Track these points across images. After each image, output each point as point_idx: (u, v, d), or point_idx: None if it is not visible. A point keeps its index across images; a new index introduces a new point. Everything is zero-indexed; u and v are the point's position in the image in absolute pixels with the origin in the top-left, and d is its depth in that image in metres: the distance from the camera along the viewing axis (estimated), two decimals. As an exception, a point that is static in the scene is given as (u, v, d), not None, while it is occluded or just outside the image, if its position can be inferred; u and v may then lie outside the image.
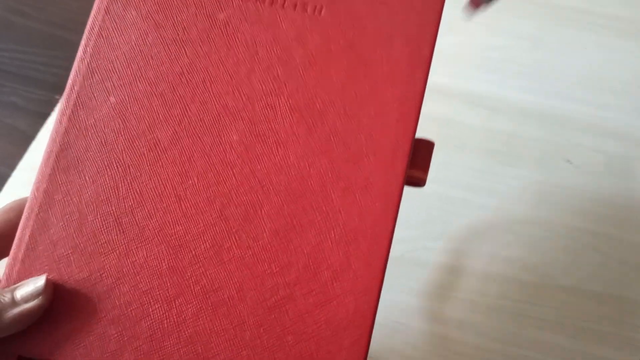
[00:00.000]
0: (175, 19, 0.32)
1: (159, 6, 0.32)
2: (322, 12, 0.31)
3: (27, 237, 0.29)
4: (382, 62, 0.31)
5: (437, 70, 0.39)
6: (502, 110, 0.50)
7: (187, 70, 0.31)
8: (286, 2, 0.32)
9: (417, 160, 0.30)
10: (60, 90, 0.50)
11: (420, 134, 0.30)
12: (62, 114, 0.30)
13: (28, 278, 0.28)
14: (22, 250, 0.29)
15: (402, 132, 0.30)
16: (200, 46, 0.31)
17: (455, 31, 0.53)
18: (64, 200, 0.29)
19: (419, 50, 0.31)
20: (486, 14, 0.51)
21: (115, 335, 0.28)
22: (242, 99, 0.30)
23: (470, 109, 0.50)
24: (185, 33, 0.31)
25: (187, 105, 0.30)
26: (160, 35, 0.31)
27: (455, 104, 0.51)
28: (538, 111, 0.50)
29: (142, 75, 0.31)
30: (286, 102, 0.30)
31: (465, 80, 0.52)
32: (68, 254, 0.29)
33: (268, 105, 0.30)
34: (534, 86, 0.52)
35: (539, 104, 0.51)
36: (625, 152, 0.50)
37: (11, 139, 0.51)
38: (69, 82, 0.31)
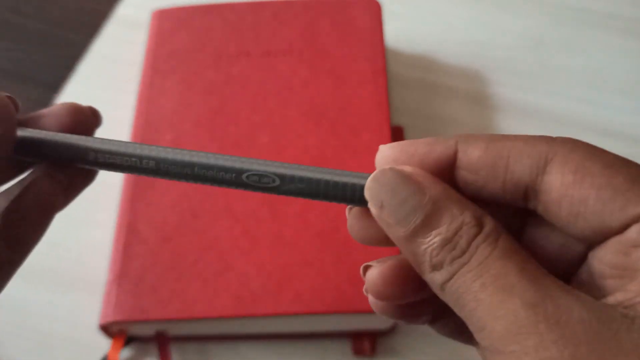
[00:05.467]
0: (200, 78, 0.44)
1: (187, 74, 0.44)
2: (304, 53, 0.45)
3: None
4: (354, 75, 0.43)
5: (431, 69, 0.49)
6: (502, 110, 0.50)
7: (218, 108, 0.42)
8: (277, 52, 0.45)
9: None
10: (57, 89, 0.51)
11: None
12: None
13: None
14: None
15: (380, 115, 0.42)
16: (224, 91, 0.43)
17: (455, 30, 0.54)
18: (147, 209, 0.38)
19: (375, 64, 0.44)
20: (486, 14, 0.54)
21: (211, 284, 0.36)
22: (264, 116, 0.42)
23: (470, 109, 0.50)
24: (211, 85, 0.43)
25: (225, 128, 0.41)
26: (193, 91, 0.43)
27: (456, 103, 0.50)
28: (538, 111, 0.49)
29: (186, 118, 0.42)
30: (296, 110, 0.42)
31: (466, 80, 0.51)
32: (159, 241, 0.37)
33: (283, 115, 0.42)
34: (534, 86, 0.51)
35: (539, 103, 0.50)
36: (627, 152, 0.52)
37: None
38: (132, 131, 0.42)
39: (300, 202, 0.38)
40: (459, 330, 0.20)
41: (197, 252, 0.37)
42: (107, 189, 0.43)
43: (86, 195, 0.44)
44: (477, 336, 0.16)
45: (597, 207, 0.16)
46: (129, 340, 0.38)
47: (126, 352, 0.38)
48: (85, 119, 0.22)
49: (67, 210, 0.44)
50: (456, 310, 0.17)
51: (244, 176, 0.19)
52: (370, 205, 0.18)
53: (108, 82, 0.51)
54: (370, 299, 0.19)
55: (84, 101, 0.55)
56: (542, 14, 0.55)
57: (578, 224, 0.17)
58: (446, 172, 0.18)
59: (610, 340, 0.15)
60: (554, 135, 0.18)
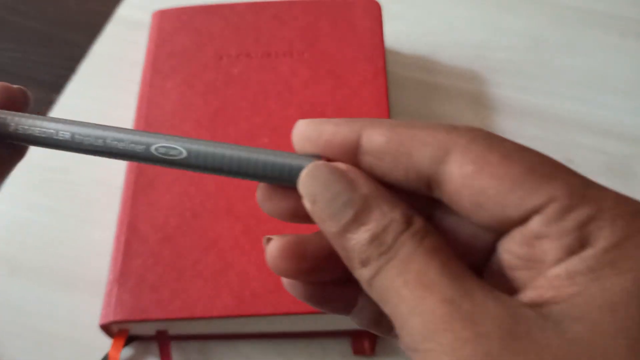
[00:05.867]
0: (201, 78, 0.44)
1: (187, 74, 0.44)
2: (304, 54, 0.45)
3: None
4: (354, 75, 0.43)
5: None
6: (502, 110, 0.50)
7: (219, 108, 0.42)
8: (277, 53, 0.45)
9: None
10: (57, 89, 0.50)
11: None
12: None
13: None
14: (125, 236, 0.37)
15: (380, 115, 0.42)
16: (225, 91, 0.43)
17: (455, 30, 0.54)
18: (148, 208, 0.39)
19: (375, 64, 0.44)
20: (486, 14, 0.54)
21: (212, 283, 0.36)
22: (264, 116, 0.42)
23: (470, 109, 0.50)
24: (211, 86, 0.44)
25: (225, 128, 0.41)
26: (193, 91, 0.43)
27: (455, 104, 0.50)
28: (538, 111, 0.49)
29: (186, 118, 0.42)
30: (296, 111, 0.42)
31: (465, 81, 0.51)
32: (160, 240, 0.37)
33: (283, 116, 0.42)
34: (534, 86, 0.51)
35: (539, 103, 0.50)
36: (627, 152, 0.48)
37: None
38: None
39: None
40: (375, 321, 0.20)
41: (197, 252, 0.37)
42: (107, 189, 0.44)
43: (87, 195, 0.45)
44: (401, 334, 0.16)
45: (497, 198, 0.16)
46: (129, 339, 0.38)
47: (127, 352, 0.39)
48: (15, 98, 0.22)
49: (67, 210, 0.44)
50: (382, 307, 0.17)
51: (152, 148, 0.19)
52: (304, 200, 0.18)
53: (109, 82, 0.51)
54: (289, 287, 0.20)
55: (86, 101, 0.55)
56: (542, 14, 0.55)
57: (481, 214, 0.17)
58: (352, 154, 0.18)
59: (524, 339, 0.15)
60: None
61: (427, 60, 0.52)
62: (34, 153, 0.46)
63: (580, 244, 0.15)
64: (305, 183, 0.18)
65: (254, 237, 0.37)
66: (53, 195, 0.45)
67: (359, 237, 0.17)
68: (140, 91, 0.44)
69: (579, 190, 0.16)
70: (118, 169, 0.43)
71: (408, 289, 0.16)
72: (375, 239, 0.17)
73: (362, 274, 0.17)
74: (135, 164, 0.40)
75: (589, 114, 0.49)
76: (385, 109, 0.42)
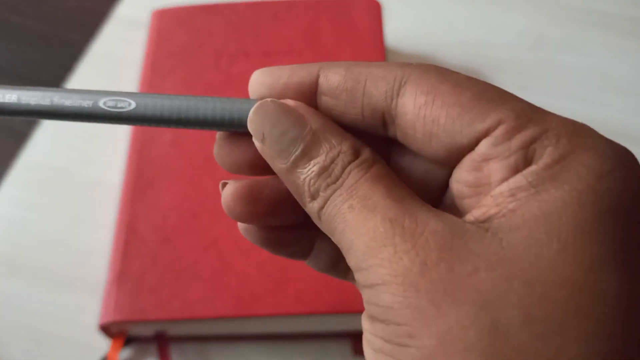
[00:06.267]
0: (200, 78, 0.44)
1: (186, 73, 0.44)
2: (304, 54, 0.45)
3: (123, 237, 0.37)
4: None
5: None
6: None
7: (218, 108, 0.42)
8: (277, 52, 0.45)
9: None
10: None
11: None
12: (133, 151, 0.41)
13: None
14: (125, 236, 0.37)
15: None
16: (224, 91, 0.43)
17: (455, 30, 0.54)
18: (147, 209, 0.38)
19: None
20: (486, 14, 0.54)
21: (211, 284, 0.35)
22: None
23: None
24: (211, 85, 0.43)
25: (225, 128, 0.41)
26: (192, 91, 0.43)
27: None
28: None
29: (186, 118, 0.42)
30: (295, 110, 0.42)
31: None
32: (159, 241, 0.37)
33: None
34: (534, 86, 0.50)
35: (539, 103, 0.53)
36: None
37: (7, 138, 0.48)
38: (132, 132, 0.41)
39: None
40: (332, 264, 0.21)
41: (197, 252, 0.37)
42: (106, 190, 0.44)
43: (86, 196, 0.45)
44: (347, 259, 0.17)
45: (448, 126, 0.17)
46: (128, 340, 0.38)
47: (126, 353, 0.38)
48: None
49: (67, 210, 0.44)
50: (331, 237, 0.17)
51: (101, 102, 0.19)
52: (253, 138, 0.18)
53: (108, 82, 0.51)
54: (245, 231, 0.20)
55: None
56: (542, 13, 0.55)
57: (432, 144, 0.17)
58: (309, 96, 0.18)
59: (461, 248, 0.15)
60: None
61: (427, 59, 0.52)
62: (33, 153, 0.47)
63: (525, 163, 0.16)
64: (253, 120, 0.18)
65: (253, 238, 0.37)
66: (52, 195, 0.45)
67: (309, 171, 0.17)
68: (139, 90, 0.44)
69: (526, 113, 0.16)
70: (117, 169, 0.43)
71: (353, 214, 0.16)
72: (324, 171, 0.17)
73: (312, 207, 0.17)
74: (134, 163, 0.40)
75: (589, 114, 0.49)
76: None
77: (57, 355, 0.39)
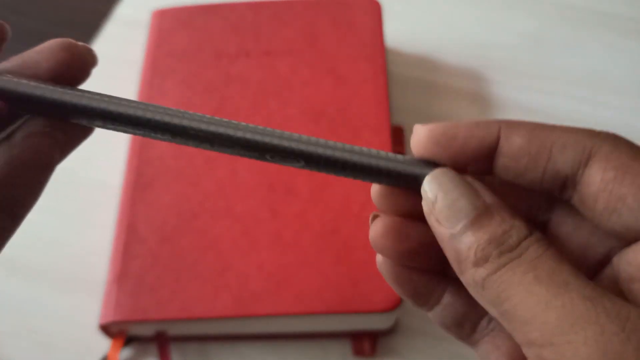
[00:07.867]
0: (200, 78, 0.44)
1: (187, 74, 0.44)
2: (304, 54, 0.45)
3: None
4: (354, 75, 0.43)
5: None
6: (502, 110, 0.50)
7: (218, 107, 0.42)
8: (277, 52, 0.45)
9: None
10: None
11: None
12: (133, 152, 0.40)
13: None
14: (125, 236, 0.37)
15: (380, 114, 0.42)
16: (224, 91, 0.43)
17: (456, 29, 0.54)
18: (147, 209, 0.38)
19: (375, 64, 0.44)
20: (486, 14, 0.54)
21: (211, 284, 0.35)
22: (264, 115, 0.42)
23: (470, 108, 0.50)
24: (211, 85, 0.43)
25: (225, 128, 0.41)
26: (193, 90, 0.43)
27: (456, 103, 0.51)
28: (538, 111, 0.49)
29: (186, 118, 0.42)
30: (296, 110, 0.42)
31: (466, 80, 0.51)
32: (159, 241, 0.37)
33: (283, 115, 0.42)
34: (534, 86, 0.51)
35: (539, 103, 0.50)
36: None
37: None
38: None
39: (300, 202, 0.38)
40: (457, 323, 0.20)
41: (197, 252, 0.37)
42: (107, 189, 0.43)
43: (86, 196, 0.45)
44: (521, 329, 0.16)
45: (634, 205, 0.17)
46: (128, 340, 0.38)
47: (126, 352, 0.38)
48: (81, 55, 0.21)
49: (67, 210, 0.44)
50: (492, 305, 0.17)
51: (267, 155, 0.19)
52: (423, 201, 0.18)
53: (108, 82, 0.50)
54: (381, 264, 0.20)
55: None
56: (542, 13, 0.55)
57: (612, 218, 0.17)
58: (486, 157, 0.19)
59: None
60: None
61: (427, 59, 0.52)
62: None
63: None
64: (429, 185, 0.18)
65: (253, 238, 0.37)
66: (52, 195, 0.45)
67: (477, 238, 0.17)
68: (139, 91, 0.44)
69: None
70: (117, 169, 0.43)
71: (540, 286, 0.16)
72: (494, 240, 0.17)
73: (475, 274, 0.17)
74: (134, 163, 0.40)
75: (590, 113, 0.49)
76: (385, 108, 0.42)
77: (58, 355, 0.39)
